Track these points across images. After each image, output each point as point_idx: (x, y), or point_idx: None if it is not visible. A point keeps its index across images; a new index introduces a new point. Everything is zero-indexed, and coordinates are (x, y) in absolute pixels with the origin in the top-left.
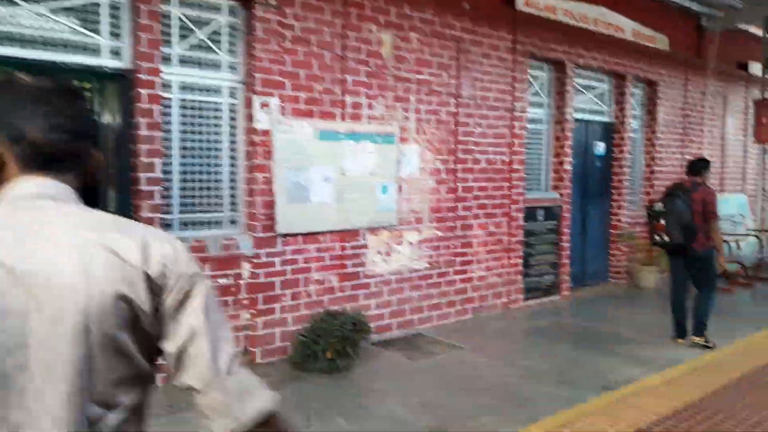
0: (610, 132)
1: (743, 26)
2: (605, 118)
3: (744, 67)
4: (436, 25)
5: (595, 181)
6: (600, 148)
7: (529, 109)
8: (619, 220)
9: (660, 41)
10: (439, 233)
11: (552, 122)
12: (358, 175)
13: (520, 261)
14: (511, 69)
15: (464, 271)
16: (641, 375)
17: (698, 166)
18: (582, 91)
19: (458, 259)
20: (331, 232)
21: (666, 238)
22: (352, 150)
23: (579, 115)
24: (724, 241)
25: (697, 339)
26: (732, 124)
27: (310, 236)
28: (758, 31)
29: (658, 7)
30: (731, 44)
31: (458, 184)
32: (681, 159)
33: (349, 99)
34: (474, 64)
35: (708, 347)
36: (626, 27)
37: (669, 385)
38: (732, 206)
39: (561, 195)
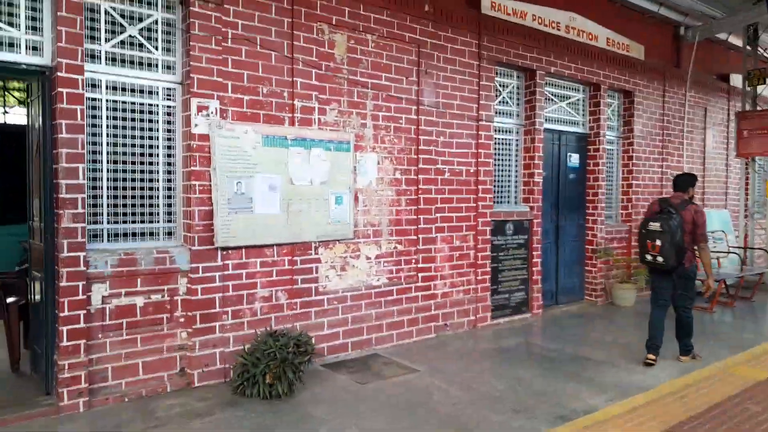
0: (585, 143)
1: (723, 36)
2: (580, 129)
3: (726, 78)
4: (394, 27)
5: (569, 195)
6: (574, 159)
7: (498, 118)
8: (594, 235)
9: (635, 50)
10: (400, 247)
11: (522, 132)
12: (308, 185)
13: (488, 277)
14: (477, 76)
15: (427, 288)
16: (604, 403)
17: (685, 182)
18: (554, 101)
19: (420, 274)
20: (279, 245)
21: (660, 259)
22: (302, 157)
23: (551, 126)
24: None
25: (684, 358)
26: (713, 137)
27: (255, 249)
28: (739, 42)
29: (634, 15)
30: (712, 55)
31: (420, 195)
32: (660, 172)
33: (298, 103)
34: (436, 70)
35: (696, 359)
36: (600, 35)
37: (629, 416)
38: (714, 222)
39: (532, 208)
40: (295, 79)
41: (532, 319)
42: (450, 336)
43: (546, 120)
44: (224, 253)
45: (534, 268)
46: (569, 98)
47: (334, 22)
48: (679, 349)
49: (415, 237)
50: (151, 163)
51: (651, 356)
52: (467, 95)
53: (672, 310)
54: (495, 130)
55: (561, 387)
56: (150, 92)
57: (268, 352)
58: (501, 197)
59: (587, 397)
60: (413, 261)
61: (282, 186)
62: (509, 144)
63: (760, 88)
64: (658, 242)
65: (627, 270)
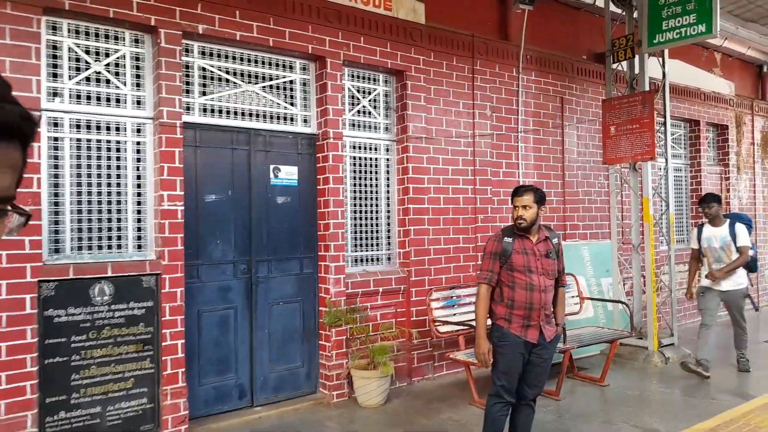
0: (313, 150)
1: (600, 2)
2: (299, 128)
3: (603, 59)
4: None
5: (277, 229)
6: (286, 174)
7: (84, 107)
8: (328, 291)
9: (406, 9)
10: None
11: (151, 131)
12: None
13: (30, 384)
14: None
15: None
16: None
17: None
18: (235, 82)
19: None
20: None
21: None
22: None
23: (233, 122)
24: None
25: None
26: (577, 138)
27: None
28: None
29: None
30: (580, 29)
31: None
32: (471, 191)
33: None
34: None
35: None
36: None
37: None
38: (585, 260)
39: (160, 255)
40: None
41: None
42: None
43: (221, 112)
44: None
45: (169, 357)
46: (271, 79)
47: None
48: None
49: None
50: None
51: None
52: None
53: None
54: (74, 127)
55: None
56: None
57: None
58: (101, 239)
59: None
60: None
61: None
62: (121, 150)
63: (637, 65)
64: None
65: (408, 342)
